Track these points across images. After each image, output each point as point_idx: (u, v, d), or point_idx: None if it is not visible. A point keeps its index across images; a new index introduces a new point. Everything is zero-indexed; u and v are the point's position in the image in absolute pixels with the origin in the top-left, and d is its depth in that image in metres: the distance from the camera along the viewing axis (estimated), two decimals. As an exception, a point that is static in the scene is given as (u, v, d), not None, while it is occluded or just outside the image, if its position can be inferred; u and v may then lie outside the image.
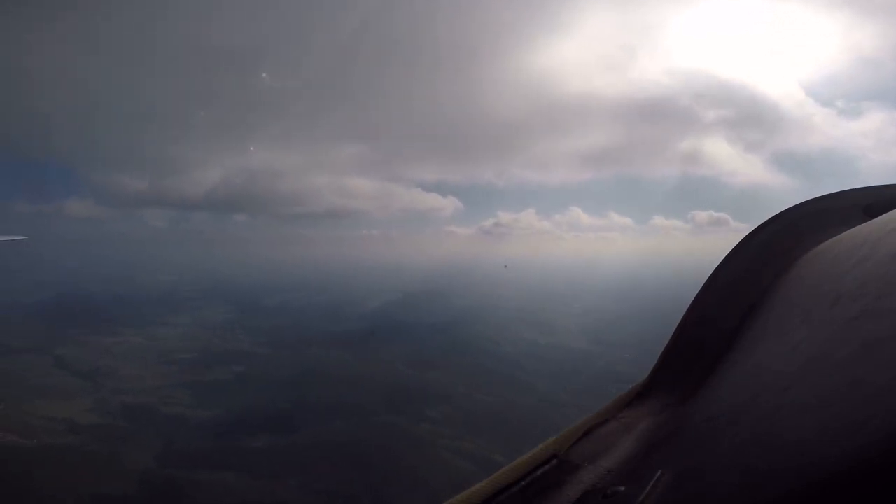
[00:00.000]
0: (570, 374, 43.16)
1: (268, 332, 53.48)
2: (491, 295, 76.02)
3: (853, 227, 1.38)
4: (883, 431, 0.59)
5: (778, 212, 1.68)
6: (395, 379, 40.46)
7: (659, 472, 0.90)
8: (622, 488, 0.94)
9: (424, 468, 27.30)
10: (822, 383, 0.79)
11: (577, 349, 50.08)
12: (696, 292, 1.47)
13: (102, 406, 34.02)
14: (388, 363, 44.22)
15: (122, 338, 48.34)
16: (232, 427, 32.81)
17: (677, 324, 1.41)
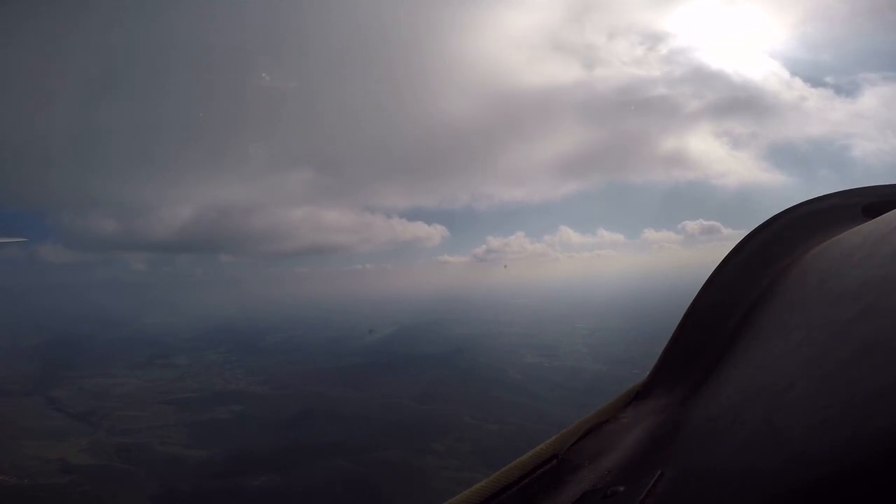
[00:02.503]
0: (581, 395, 42.14)
1: (267, 370, 52.44)
2: (492, 321, 75.32)
3: (853, 227, 1.35)
4: (883, 431, 0.58)
5: (775, 213, 1.67)
6: (397, 412, 39.37)
7: (659, 472, 0.90)
8: (622, 488, 0.94)
9: (428, 501, 26.16)
10: (822, 383, 0.78)
11: (585, 369, 49.14)
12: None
13: (97, 446, 32.79)
14: (390, 397, 43.15)
15: (119, 379, 47.26)
16: (230, 466, 31.58)
17: (677, 324, 1.41)
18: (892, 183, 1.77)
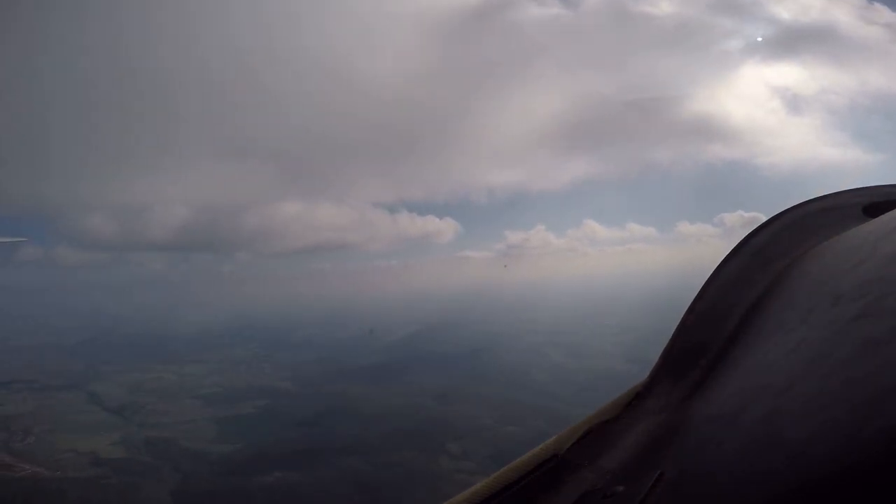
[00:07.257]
0: (608, 397, 39.73)
1: (292, 367, 53.99)
2: (519, 319, 73.37)
3: (853, 227, 1.38)
4: (883, 431, 0.58)
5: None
6: (417, 412, 39.08)
7: (659, 472, 0.90)
8: (622, 488, 0.94)
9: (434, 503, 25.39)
10: (822, 383, 0.78)
11: (615, 370, 46.34)
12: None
13: (128, 440, 34.91)
14: (411, 396, 42.95)
15: (155, 374, 50.37)
16: (251, 462, 32.45)
17: (677, 324, 1.38)
18: (892, 183, 1.79)
